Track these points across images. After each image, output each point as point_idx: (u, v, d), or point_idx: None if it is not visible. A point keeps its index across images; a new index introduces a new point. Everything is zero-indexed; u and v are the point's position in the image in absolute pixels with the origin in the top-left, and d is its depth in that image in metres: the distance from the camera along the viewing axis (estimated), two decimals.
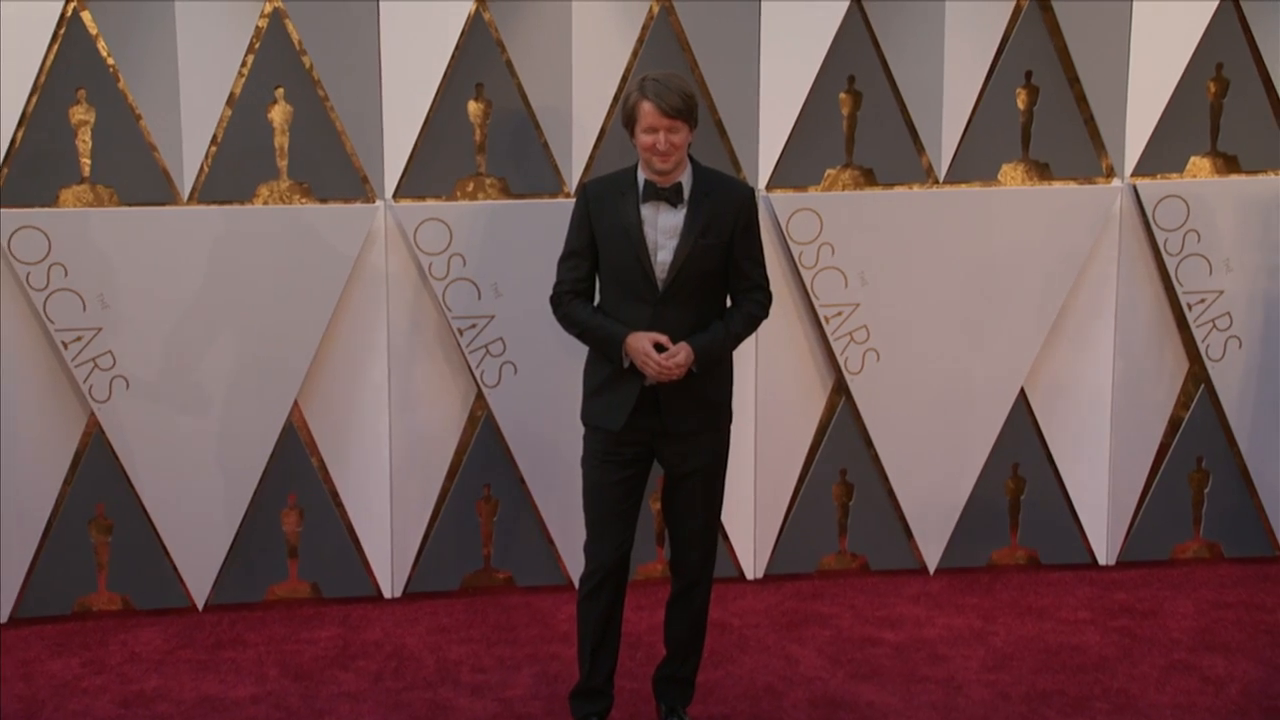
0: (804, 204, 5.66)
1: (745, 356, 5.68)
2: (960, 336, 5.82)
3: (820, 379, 5.86)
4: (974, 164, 5.75)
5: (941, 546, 5.98)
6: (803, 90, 5.61)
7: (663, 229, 4.50)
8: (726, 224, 4.51)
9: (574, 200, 4.78)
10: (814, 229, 5.67)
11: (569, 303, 4.60)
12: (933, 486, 5.91)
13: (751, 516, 5.86)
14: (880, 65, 5.66)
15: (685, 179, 4.52)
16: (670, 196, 4.48)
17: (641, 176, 4.52)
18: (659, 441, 4.57)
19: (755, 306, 4.61)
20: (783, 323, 5.73)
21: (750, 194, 4.59)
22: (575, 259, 4.60)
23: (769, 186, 5.67)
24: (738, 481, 5.70)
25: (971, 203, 5.75)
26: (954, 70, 5.66)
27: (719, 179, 4.58)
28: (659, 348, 4.46)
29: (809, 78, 5.60)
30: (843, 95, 5.67)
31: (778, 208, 5.65)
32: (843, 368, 5.79)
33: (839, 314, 5.73)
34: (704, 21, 5.56)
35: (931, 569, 5.99)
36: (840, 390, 5.83)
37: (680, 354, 4.44)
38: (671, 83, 4.42)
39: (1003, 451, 5.95)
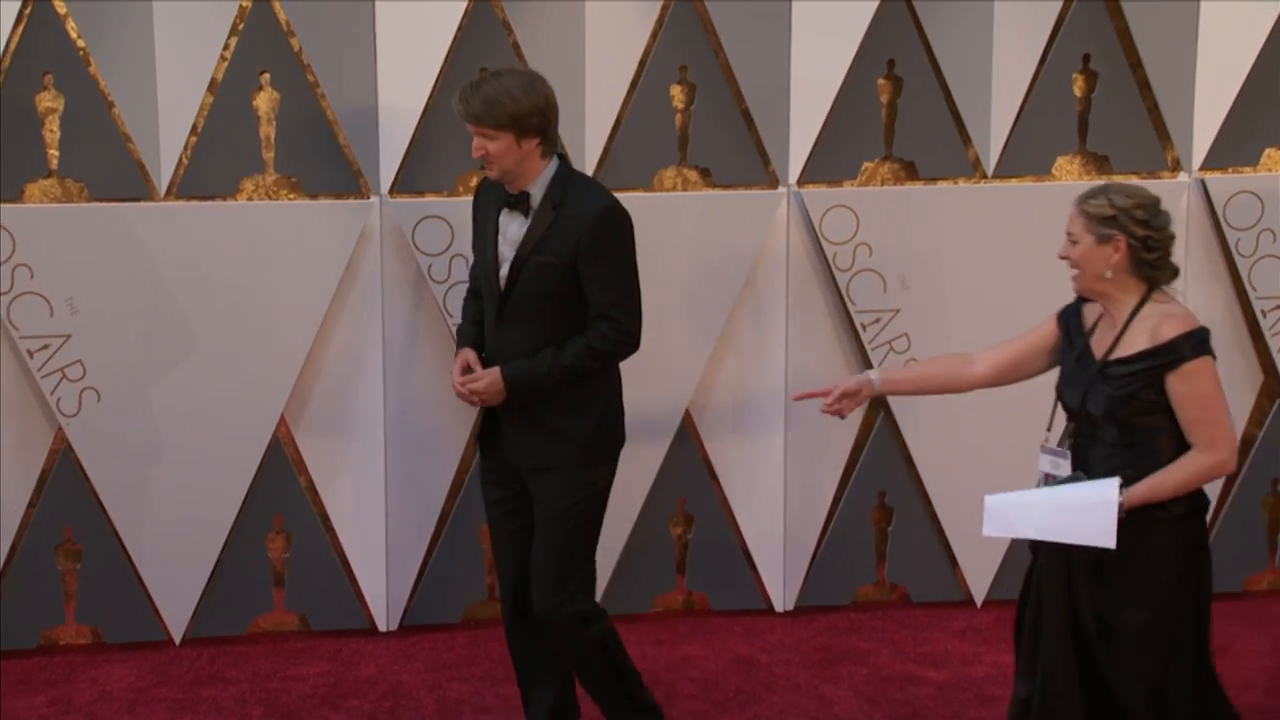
0: (839, 200, 5.34)
1: (774, 368, 5.38)
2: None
3: None
4: (1026, 156, 5.42)
5: (990, 577, 5.62)
6: (838, 77, 5.27)
7: (509, 239, 4.27)
8: (568, 243, 4.17)
9: None
10: (850, 228, 5.35)
11: (465, 300, 4.52)
12: (980, 511, 5.48)
13: (780, 543, 5.53)
14: (923, 48, 5.33)
15: (536, 187, 4.22)
16: (519, 205, 4.24)
17: None
18: (521, 475, 4.36)
19: (597, 338, 4.22)
20: (815, 330, 5.43)
21: (602, 212, 4.19)
22: (475, 255, 4.46)
23: (800, 181, 5.34)
24: (766, 505, 5.46)
25: (1023, 199, 5.41)
26: (1004, 54, 5.33)
27: (578, 192, 4.24)
28: (471, 369, 4.32)
29: (844, 63, 5.27)
30: (881, 81, 5.34)
31: (810, 205, 5.32)
32: None
33: (877, 321, 5.41)
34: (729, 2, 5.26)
35: (979, 601, 5.64)
36: (878, 405, 5.49)
37: (481, 381, 4.25)
38: (485, 86, 4.15)
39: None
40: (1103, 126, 5.43)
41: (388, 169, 5.16)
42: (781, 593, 5.55)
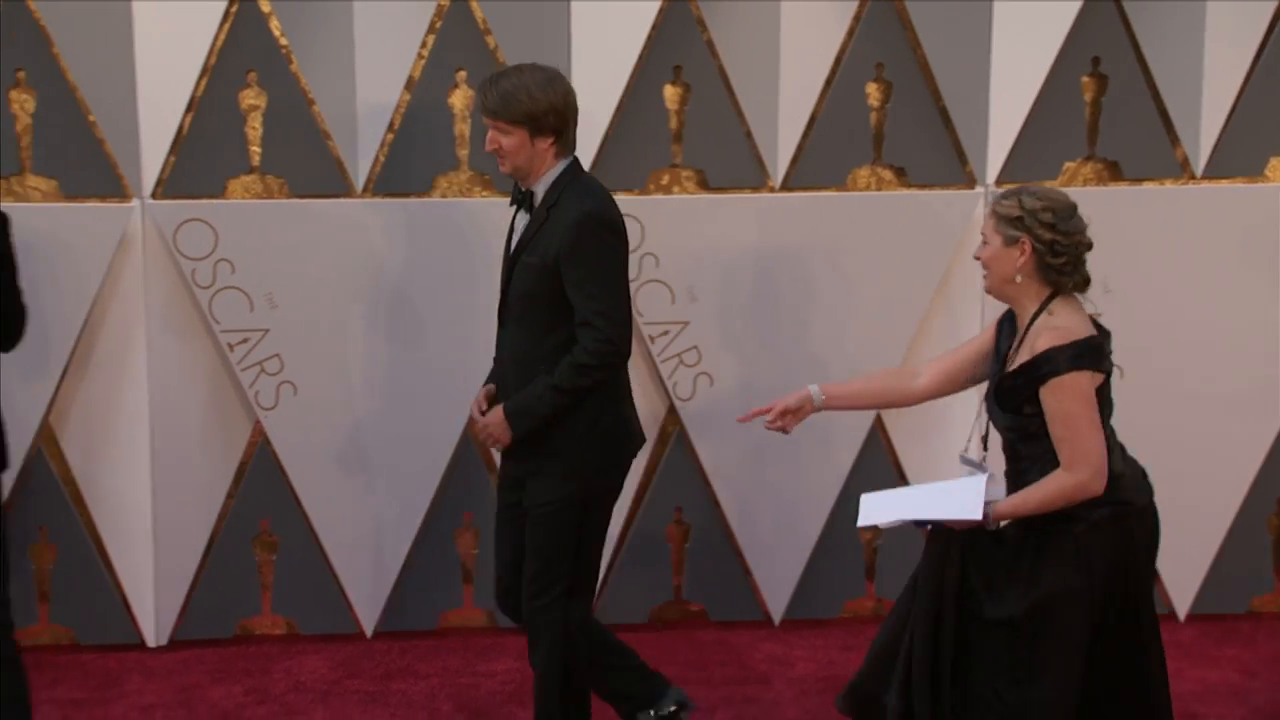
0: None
1: None
2: (1215, 352, 5.29)
3: None
4: (1238, 157, 5.22)
5: (1194, 590, 5.42)
6: (1040, 74, 5.12)
7: (516, 239, 4.18)
8: (552, 245, 4.04)
9: None
10: None
11: None
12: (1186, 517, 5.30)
13: None
14: (1130, 45, 5.14)
15: (541, 186, 4.11)
16: (525, 203, 4.16)
17: None
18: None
19: (580, 352, 4.06)
20: None
21: (583, 216, 4.04)
22: None
23: (999, 181, 5.19)
24: None
25: (1233, 201, 5.21)
26: (1216, 53, 5.15)
27: (573, 193, 4.09)
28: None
29: (1047, 60, 5.11)
30: (1085, 79, 5.17)
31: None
32: None
33: None
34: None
35: (1181, 615, 5.44)
36: None
37: (492, 420, 4.16)
38: (503, 80, 4.05)
39: (1268, 484, 5.36)
40: None
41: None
42: None
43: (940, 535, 3.74)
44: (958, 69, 5.15)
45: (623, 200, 5.02)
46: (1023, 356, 3.63)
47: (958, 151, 5.18)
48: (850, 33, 5.11)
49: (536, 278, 4.08)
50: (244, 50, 4.95)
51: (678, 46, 5.07)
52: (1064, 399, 3.55)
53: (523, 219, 4.17)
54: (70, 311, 4.95)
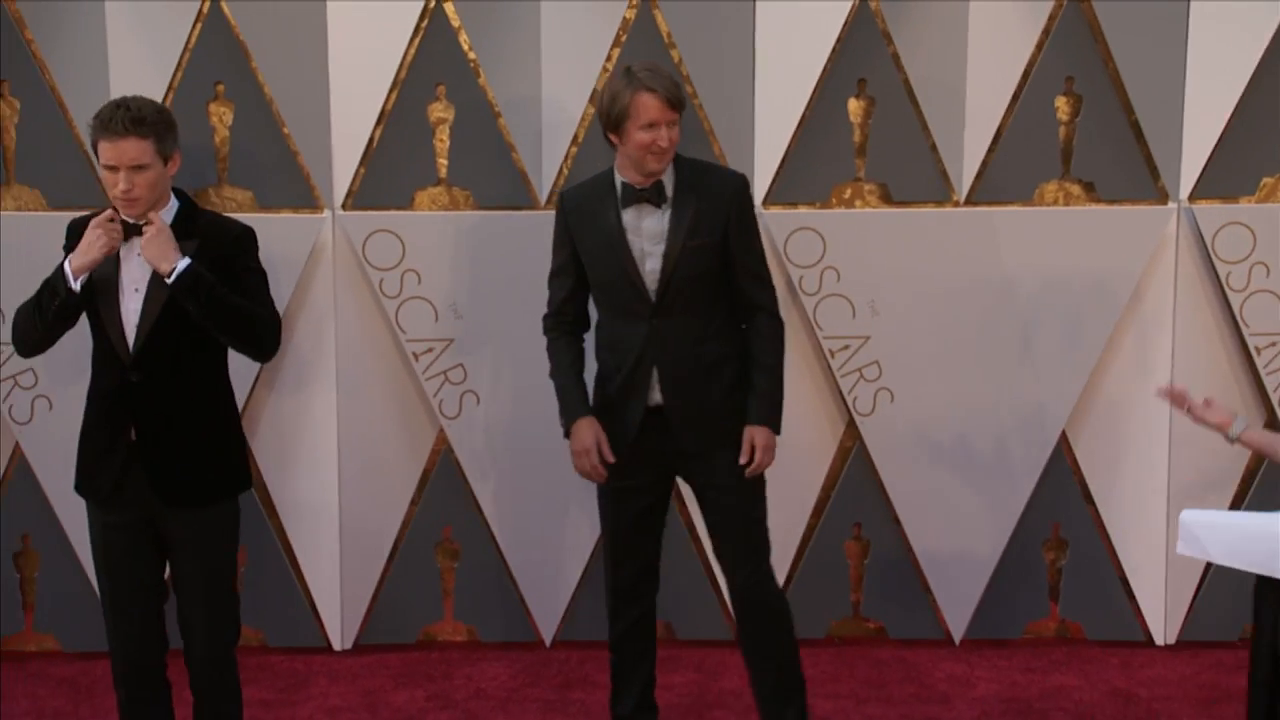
0: (1234, 217, 5.06)
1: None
2: None
3: None
4: None
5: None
6: (1238, 86, 4.98)
7: (648, 234, 4.20)
8: (718, 219, 4.18)
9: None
10: (1245, 246, 5.06)
11: (553, 340, 4.42)
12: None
13: (1162, 572, 5.25)
14: None
15: (666, 176, 4.20)
16: (652, 197, 4.18)
17: (619, 179, 4.23)
18: (676, 461, 4.35)
19: (766, 321, 4.30)
20: (1203, 354, 5.15)
21: (742, 182, 4.29)
22: (561, 278, 4.38)
23: (1192, 197, 5.07)
24: (1146, 531, 5.21)
25: None
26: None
27: (704, 170, 4.28)
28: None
29: (1245, 73, 4.96)
30: None
31: (1202, 222, 5.06)
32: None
33: (1273, 344, 5.11)
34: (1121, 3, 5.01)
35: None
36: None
37: (758, 443, 4.24)
38: (662, 71, 4.17)
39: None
40: None
41: (762, 179, 5.07)
42: (1163, 625, 5.28)
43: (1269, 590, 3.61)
44: (1151, 81, 5.03)
45: (805, 214, 5.08)
46: None
47: (1150, 166, 5.06)
48: (1039, 45, 5.02)
49: (709, 257, 4.19)
50: (433, 63, 5.01)
51: (862, 59, 5.02)
52: None
53: (642, 216, 4.21)
54: None
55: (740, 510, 4.32)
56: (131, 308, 3.93)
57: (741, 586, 4.37)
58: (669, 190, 4.20)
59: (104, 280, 3.93)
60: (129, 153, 3.83)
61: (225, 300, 3.90)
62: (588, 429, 4.29)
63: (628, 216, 4.23)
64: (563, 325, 4.40)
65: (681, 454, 4.32)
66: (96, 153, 3.89)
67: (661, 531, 4.49)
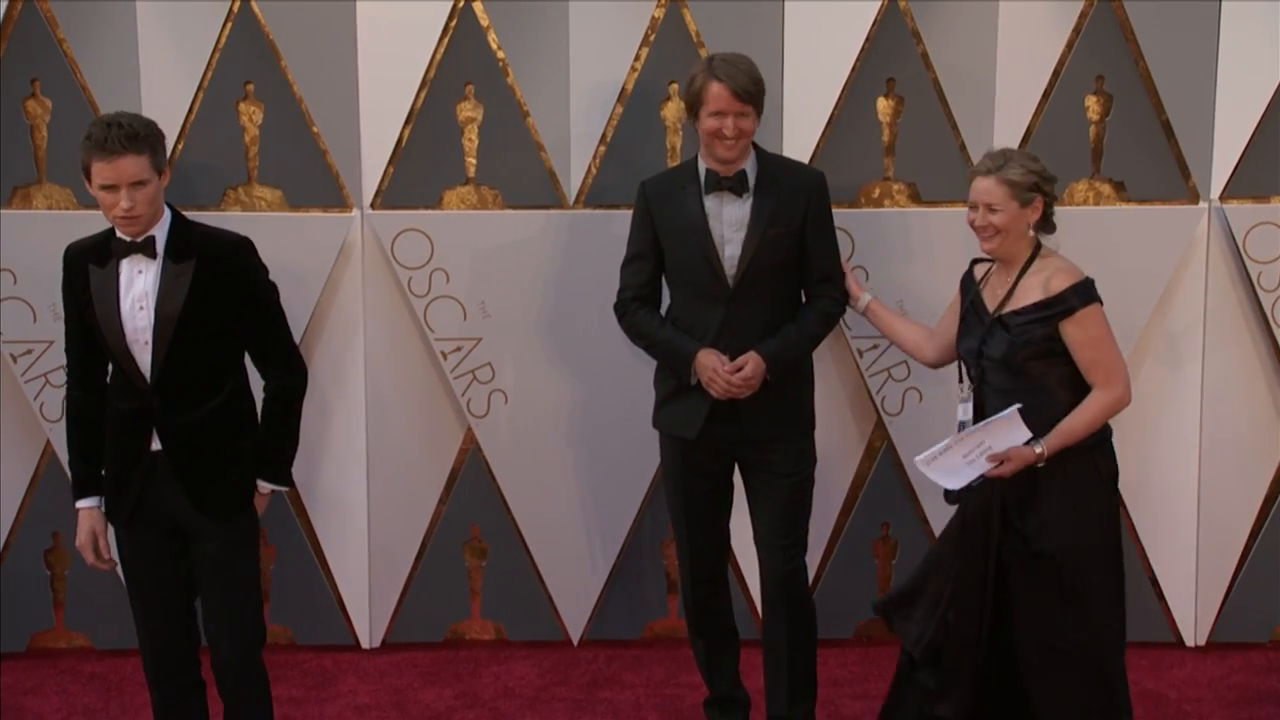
0: (1266, 217, 5.04)
1: (1187, 392, 5.11)
2: None
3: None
4: None
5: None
6: (1270, 85, 4.96)
7: (729, 221, 4.33)
8: (796, 212, 4.34)
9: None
10: (1277, 246, 5.04)
11: (634, 312, 4.48)
12: None
13: (1193, 575, 5.24)
14: None
15: (749, 167, 4.36)
16: (734, 186, 4.33)
17: (703, 167, 4.37)
18: (739, 448, 4.43)
19: (830, 304, 4.45)
20: (1230, 354, 5.15)
21: (820, 179, 4.43)
22: (638, 262, 4.47)
23: (1224, 197, 5.05)
24: (1178, 534, 5.19)
25: None
26: None
27: (785, 165, 4.46)
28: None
29: (1277, 72, 4.94)
30: None
31: (1234, 221, 5.04)
32: None
33: None
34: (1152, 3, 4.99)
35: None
36: None
37: (748, 365, 4.29)
38: (741, 64, 4.29)
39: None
40: None
41: None
42: (1193, 626, 5.27)
43: (983, 487, 4.04)
44: (1182, 79, 5.02)
45: (834, 213, 5.03)
46: (1030, 298, 4.01)
47: (1180, 166, 5.04)
48: (1069, 44, 5.01)
49: (788, 245, 4.34)
50: (462, 63, 5.02)
51: (891, 58, 5.02)
52: (1089, 327, 3.99)
53: (724, 203, 4.33)
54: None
55: (792, 501, 4.43)
56: (139, 325, 3.88)
57: (779, 573, 4.43)
58: (750, 180, 4.33)
59: (107, 321, 3.89)
60: (128, 170, 3.76)
61: (290, 451, 4.11)
62: (707, 355, 4.33)
63: (709, 203, 4.35)
64: (640, 301, 4.48)
65: (746, 440, 4.39)
66: (89, 175, 3.80)
67: (728, 518, 4.58)
